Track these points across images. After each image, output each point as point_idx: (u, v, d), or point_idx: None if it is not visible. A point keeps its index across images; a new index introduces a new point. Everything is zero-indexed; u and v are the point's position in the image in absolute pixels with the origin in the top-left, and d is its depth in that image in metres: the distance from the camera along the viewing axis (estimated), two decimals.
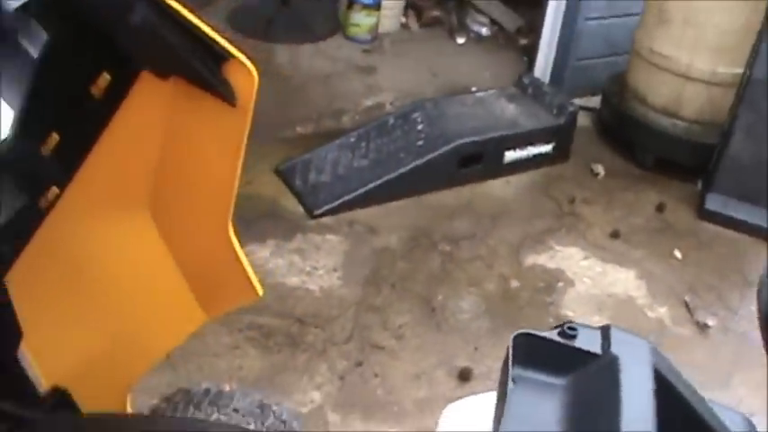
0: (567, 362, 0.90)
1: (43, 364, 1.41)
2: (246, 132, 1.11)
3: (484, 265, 3.28)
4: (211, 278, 1.30)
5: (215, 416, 1.81)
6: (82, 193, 1.22)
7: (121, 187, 1.24)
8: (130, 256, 1.33)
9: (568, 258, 3.38)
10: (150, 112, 1.18)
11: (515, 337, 0.90)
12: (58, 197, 1.21)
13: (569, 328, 0.91)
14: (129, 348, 1.43)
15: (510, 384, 0.87)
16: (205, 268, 1.29)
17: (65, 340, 1.40)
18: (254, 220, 3.28)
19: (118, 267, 1.34)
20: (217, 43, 1.05)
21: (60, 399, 1.44)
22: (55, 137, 1.21)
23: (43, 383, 1.43)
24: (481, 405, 1.11)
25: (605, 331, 0.91)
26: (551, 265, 3.34)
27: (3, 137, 1.23)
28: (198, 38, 1.05)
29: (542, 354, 0.90)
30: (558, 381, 0.89)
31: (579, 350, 0.90)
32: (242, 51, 1.07)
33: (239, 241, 1.21)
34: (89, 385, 1.46)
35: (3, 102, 1.23)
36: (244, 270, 1.22)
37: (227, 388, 1.89)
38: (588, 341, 0.90)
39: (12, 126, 1.23)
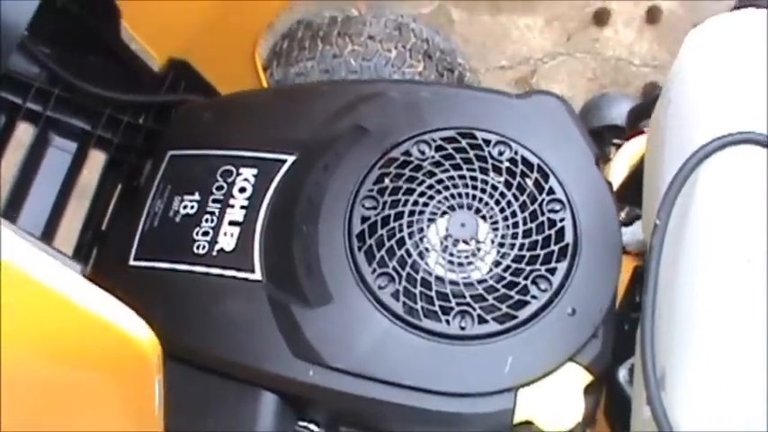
0: None
1: (154, 41, 1.17)
2: None
3: None
4: None
5: (349, 48, 1.57)
6: None
7: None
8: None
9: None
10: None
11: None
12: None
13: None
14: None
15: None
16: None
17: (172, 11, 1.14)
18: None
19: None
20: None
21: (179, 71, 1.23)
22: None
23: (157, 61, 1.21)
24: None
25: None
26: None
27: None
28: None
29: None
30: None
31: None
32: None
33: None
34: (211, 52, 1.23)
35: None
36: None
37: (354, 12, 1.61)
38: None
39: None
